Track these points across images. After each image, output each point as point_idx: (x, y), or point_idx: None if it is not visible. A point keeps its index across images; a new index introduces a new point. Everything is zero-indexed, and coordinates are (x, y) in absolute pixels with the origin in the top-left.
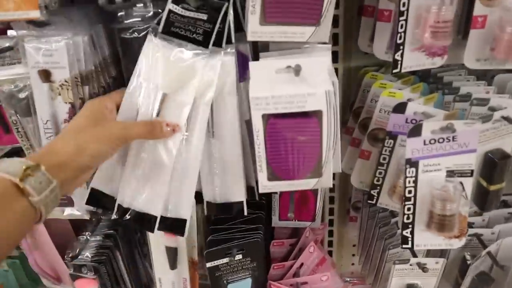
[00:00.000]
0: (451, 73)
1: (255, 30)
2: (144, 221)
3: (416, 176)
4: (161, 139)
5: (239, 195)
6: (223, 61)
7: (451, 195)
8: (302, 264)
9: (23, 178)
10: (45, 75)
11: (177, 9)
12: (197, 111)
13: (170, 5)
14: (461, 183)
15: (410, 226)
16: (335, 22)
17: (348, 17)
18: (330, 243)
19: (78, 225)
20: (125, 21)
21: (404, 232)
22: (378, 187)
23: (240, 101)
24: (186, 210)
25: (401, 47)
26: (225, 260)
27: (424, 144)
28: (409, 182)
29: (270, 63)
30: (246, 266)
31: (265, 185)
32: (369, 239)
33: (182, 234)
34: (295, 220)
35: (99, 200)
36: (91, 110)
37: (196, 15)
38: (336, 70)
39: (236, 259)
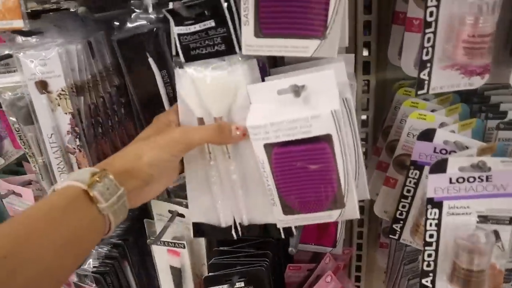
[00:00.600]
0: (502, 92)
1: (250, 43)
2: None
3: (439, 219)
4: (230, 143)
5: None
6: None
7: (480, 246)
8: None
9: (91, 184)
10: (42, 86)
11: (183, 29)
12: None
13: (176, 30)
14: (495, 231)
15: (431, 274)
16: (368, 29)
17: (382, 23)
18: (358, 268)
19: None
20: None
21: (423, 281)
22: (401, 222)
23: None
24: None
25: (428, 65)
26: (225, 287)
27: (450, 182)
28: (430, 224)
29: (271, 84)
30: None
31: (281, 220)
32: (395, 273)
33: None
34: (312, 245)
35: (204, 231)
36: (156, 122)
37: (203, 26)
38: (368, 82)
39: (237, 287)
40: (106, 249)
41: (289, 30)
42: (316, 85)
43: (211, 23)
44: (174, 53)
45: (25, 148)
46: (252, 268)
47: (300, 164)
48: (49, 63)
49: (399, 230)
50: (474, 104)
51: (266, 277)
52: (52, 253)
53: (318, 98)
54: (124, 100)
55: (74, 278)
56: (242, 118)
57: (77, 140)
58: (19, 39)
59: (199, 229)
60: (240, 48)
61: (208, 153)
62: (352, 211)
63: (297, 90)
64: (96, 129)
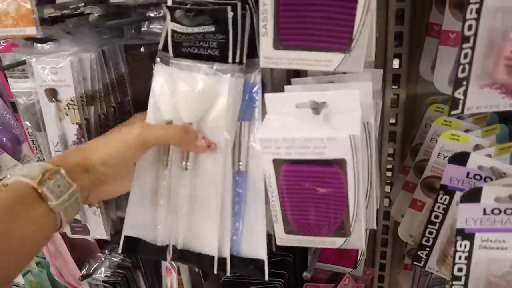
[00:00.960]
0: None
1: (269, 55)
2: (203, 262)
3: (469, 252)
4: (191, 150)
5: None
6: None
7: None
8: None
9: (41, 181)
10: (52, 94)
11: (179, 27)
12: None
13: (170, 25)
14: None
15: None
16: (399, 40)
17: (416, 35)
18: None
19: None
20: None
21: None
22: (427, 249)
23: None
24: (262, 248)
25: (464, 83)
26: None
27: (484, 213)
28: (459, 257)
29: (290, 96)
30: None
31: (282, 238)
32: None
33: (263, 277)
34: (332, 264)
35: (135, 247)
36: (131, 118)
37: (202, 29)
38: (398, 96)
39: None
40: (118, 258)
41: (311, 42)
42: (339, 104)
43: (210, 28)
44: (161, 47)
45: (37, 153)
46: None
47: (309, 185)
48: (60, 72)
49: (424, 257)
50: None
51: None
52: None
53: (338, 118)
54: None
55: (85, 287)
56: (211, 130)
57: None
58: (37, 45)
59: (131, 244)
60: (234, 60)
61: (166, 160)
62: (357, 241)
63: (316, 108)
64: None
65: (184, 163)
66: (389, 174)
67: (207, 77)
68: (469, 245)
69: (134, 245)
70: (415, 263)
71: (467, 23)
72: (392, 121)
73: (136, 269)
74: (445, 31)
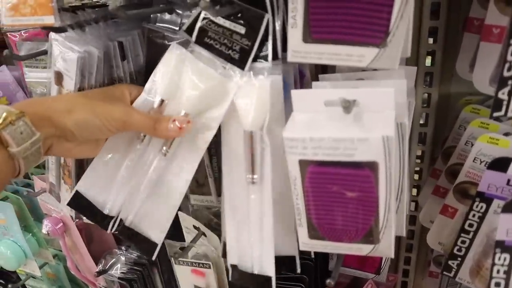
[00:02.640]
0: None
1: (297, 48)
2: (145, 246)
3: (509, 266)
4: (166, 137)
5: (289, 248)
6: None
7: None
8: None
9: (3, 125)
10: (58, 77)
11: (216, 18)
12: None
13: (203, 13)
14: None
15: None
16: (434, 36)
17: (451, 30)
18: None
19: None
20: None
21: None
22: (459, 259)
23: None
24: (270, 265)
25: (510, 82)
26: None
27: None
28: (498, 271)
29: (318, 93)
30: None
31: (305, 243)
32: None
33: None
34: (354, 269)
35: (83, 206)
36: (111, 88)
37: (233, 27)
38: (430, 95)
39: None
40: (135, 255)
41: (343, 35)
42: (371, 103)
43: (241, 30)
44: (185, 28)
45: None
46: None
47: (337, 189)
48: (68, 62)
49: (455, 267)
50: None
51: None
52: None
53: (370, 118)
54: None
55: (101, 282)
56: (201, 124)
57: None
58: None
59: (79, 201)
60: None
61: (143, 136)
62: (387, 248)
63: (347, 106)
64: None
65: (164, 148)
66: (416, 177)
67: (221, 76)
68: (510, 258)
69: (81, 203)
70: (444, 273)
71: None
72: (422, 121)
73: (153, 266)
74: (488, 26)
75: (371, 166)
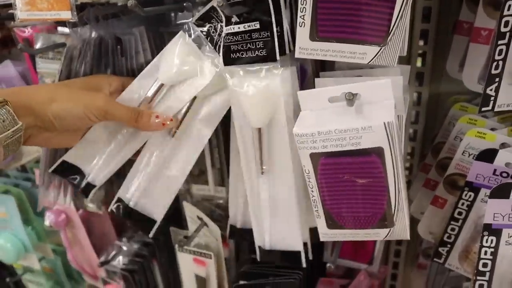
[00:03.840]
0: None
1: (305, 45)
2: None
3: (496, 248)
4: (148, 130)
5: (294, 243)
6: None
7: None
8: None
9: None
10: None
11: (230, 28)
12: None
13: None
14: None
15: None
16: (425, 38)
17: (441, 33)
18: None
19: (120, 227)
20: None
21: None
22: (449, 245)
23: None
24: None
25: (497, 79)
26: None
27: None
28: (485, 253)
29: (322, 91)
30: None
31: (325, 233)
32: None
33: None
34: (348, 260)
35: (68, 170)
36: (93, 78)
37: (248, 27)
38: (420, 95)
39: None
40: (136, 246)
41: (347, 34)
42: (371, 95)
43: (256, 25)
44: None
45: None
46: (285, 281)
47: (348, 177)
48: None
49: (445, 254)
50: None
51: None
52: None
53: (371, 108)
54: None
55: (102, 274)
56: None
57: None
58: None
59: (65, 167)
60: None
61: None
62: (402, 231)
63: (351, 99)
64: None
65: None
66: (406, 172)
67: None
68: (496, 240)
69: (66, 170)
70: (435, 259)
71: (504, 20)
72: (413, 119)
73: (153, 258)
74: (477, 29)
75: (377, 152)
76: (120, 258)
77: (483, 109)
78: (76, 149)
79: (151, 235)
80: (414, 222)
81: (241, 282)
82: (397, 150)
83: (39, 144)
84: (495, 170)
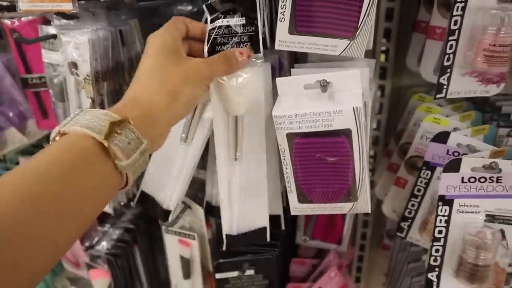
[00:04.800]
0: None
1: (284, 39)
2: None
3: (449, 216)
4: (237, 71)
5: (261, 221)
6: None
7: (487, 243)
8: None
9: (109, 136)
10: (74, 67)
11: (218, 22)
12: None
13: (209, 26)
14: (502, 230)
15: (437, 269)
16: (387, 36)
17: (402, 31)
18: (359, 269)
19: (101, 215)
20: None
21: (429, 275)
22: (409, 220)
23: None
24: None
25: (449, 70)
26: (236, 273)
27: (462, 181)
28: (440, 221)
29: (299, 79)
30: (258, 282)
31: (295, 207)
32: (397, 273)
33: (265, 240)
34: (318, 241)
35: (145, 201)
36: (163, 45)
37: (235, 21)
38: (384, 87)
39: (246, 274)
40: (118, 232)
41: (321, 29)
42: (341, 83)
43: (242, 21)
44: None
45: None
46: (262, 257)
47: (319, 156)
48: (80, 47)
49: (406, 228)
50: (485, 112)
51: (275, 266)
52: (59, 226)
53: (341, 95)
54: None
55: (86, 259)
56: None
57: None
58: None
59: (144, 198)
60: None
61: (185, 135)
62: (364, 205)
63: (325, 85)
64: None
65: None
66: (370, 160)
67: None
68: (449, 210)
69: (145, 201)
70: (397, 234)
71: (453, 19)
72: (377, 110)
73: (134, 243)
74: (432, 27)
75: (346, 133)
76: (104, 243)
77: (438, 96)
78: (148, 176)
79: (267, 239)
80: (379, 204)
81: (221, 260)
82: (363, 132)
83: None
84: (448, 150)
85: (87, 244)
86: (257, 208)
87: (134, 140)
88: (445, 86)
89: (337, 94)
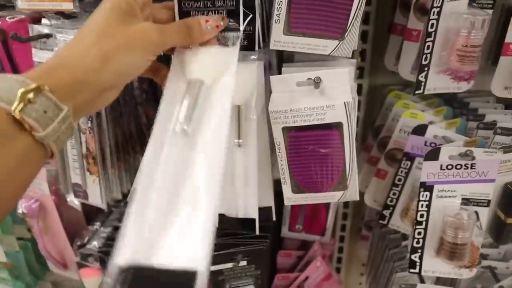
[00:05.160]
0: (478, 99)
1: (278, 39)
2: None
3: (429, 201)
4: (202, 41)
5: (252, 211)
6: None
7: (464, 223)
8: (307, 278)
9: (22, 106)
10: None
11: None
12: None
13: None
14: (476, 212)
15: (420, 250)
16: (364, 37)
17: (378, 33)
18: (339, 260)
19: (89, 215)
20: None
21: (412, 256)
22: (391, 208)
23: None
24: (254, 210)
25: (426, 69)
26: (229, 265)
27: (441, 169)
28: (422, 206)
29: (291, 76)
30: (250, 273)
31: (289, 198)
32: (378, 260)
33: (254, 232)
34: (303, 233)
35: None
36: (119, 3)
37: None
38: (361, 86)
39: (240, 265)
40: (108, 230)
41: (313, 30)
42: (331, 80)
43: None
44: None
45: None
46: (255, 248)
47: (312, 148)
48: None
49: (388, 216)
50: (455, 108)
51: (267, 256)
52: None
53: (333, 91)
54: (146, 86)
55: (76, 258)
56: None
57: (89, 122)
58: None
59: None
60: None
61: None
62: (353, 193)
63: (318, 82)
64: (111, 113)
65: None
66: None
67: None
68: (429, 195)
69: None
70: (380, 221)
71: (430, 22)
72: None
73: None
74: (409, 29)
75: (338, 126)
76: (95, 242)
77: (416, 92)
78: None
79: (257, 231)
80: (361, 197)
81: (215, 253)
82: (353, 125)
83: (96, 110)
84: (426, 141)
85: (78, 243)
86: (250, 197)
87: (51, 108)
88: (423, 83)
89: (328, 91)
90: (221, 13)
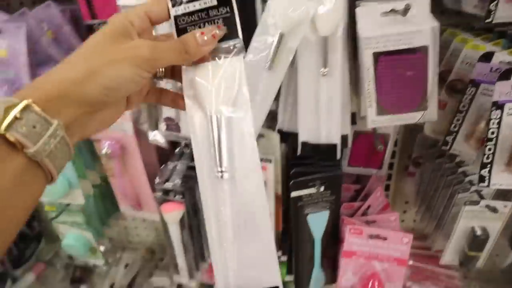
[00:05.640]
0: None
1: (374, 119)
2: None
3: (500, 118)
4: (201, 55)
5: (333, 137)
6: None
7: None
8: (369, 206)
9: (8, 123)
10: None
11: (181, 9)
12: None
13: (172, 12)
14: None
15: (489, 166)
16: None
17: None
18: (386, 196)
19: (162, 157)
20: None
21: (482, 172)
22: (454, 134)
23: None
24: (337, 136)
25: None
26: (308, 191)
27: None
28: (493, 123)
29: (375, 7)
30: (326, 198)
31: (373, 120)
32: (431, 190)
33: (335, 158)
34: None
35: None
36: (112, 25)
37: (203, 4)
38: None
39: (320, 191)
40: (184, 168)
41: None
42: (414, 10)
43: (213, 2)
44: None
45: None
46: (331, 174)
47: (399, 71)
48: None
49: (451, 141)
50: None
51: (341, 183)
52: None
53: (417, 19)
54: None
55: (155, 195)
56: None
57: None
58: None
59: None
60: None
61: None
62: (432, 114)
63: (407, 9)
64: None
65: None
66: None
67: None
68: (500, 113)
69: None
70: (443, 147)
71: None
72: None
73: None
74: None
75: (424, 50)
76: (175, 177)
77: (486, 21)
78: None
79: (338, 156)
80: (407, 136)
81: (295, 180)
82: (436, 49)
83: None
84: (491, 67)
85: (158, 180)
86: (333, 124)
87: (40, 122)
88: (493, 12)
89: (413, 18)
90: (217, 22)
